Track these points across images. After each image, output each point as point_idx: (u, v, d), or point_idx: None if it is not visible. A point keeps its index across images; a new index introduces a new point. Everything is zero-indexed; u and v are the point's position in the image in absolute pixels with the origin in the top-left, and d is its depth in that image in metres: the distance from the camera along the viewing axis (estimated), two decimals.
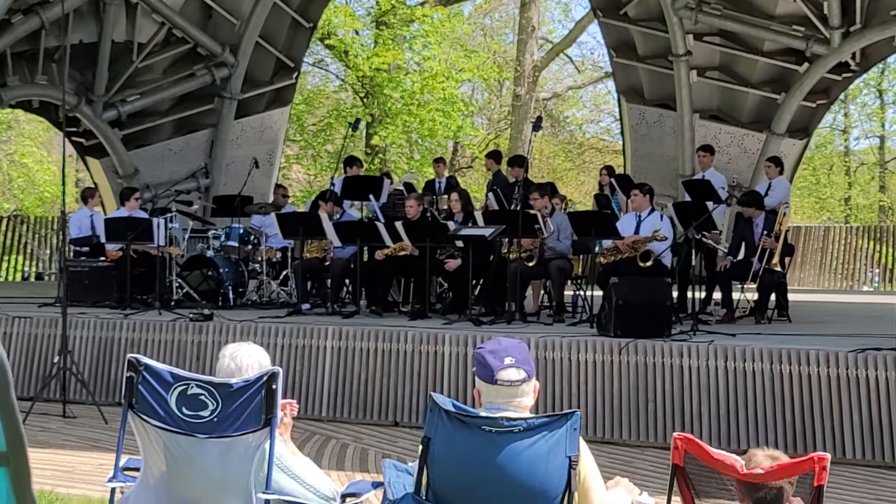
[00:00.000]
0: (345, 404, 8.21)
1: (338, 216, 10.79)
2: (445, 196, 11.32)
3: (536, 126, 10.09)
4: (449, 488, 3.17)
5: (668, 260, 9.30)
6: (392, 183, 13.77)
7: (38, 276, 18.79)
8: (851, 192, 30.02)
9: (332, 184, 11.53)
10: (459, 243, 9.48)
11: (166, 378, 3.61)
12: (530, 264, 9.49)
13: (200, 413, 3.54)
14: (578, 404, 7.46)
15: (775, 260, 9.31)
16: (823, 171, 30.06)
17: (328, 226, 9.90)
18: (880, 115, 29.16)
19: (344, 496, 3.77)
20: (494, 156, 12.60)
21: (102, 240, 11.11)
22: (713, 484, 3.15)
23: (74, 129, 15.73)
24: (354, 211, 11.40)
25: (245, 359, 3.66)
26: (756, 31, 14.95)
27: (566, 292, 10.06)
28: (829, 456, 2.97)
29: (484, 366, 3.26)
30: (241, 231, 11.41)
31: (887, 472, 6.66)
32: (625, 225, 9.48)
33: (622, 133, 17.61)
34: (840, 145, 30.38)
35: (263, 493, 3.51)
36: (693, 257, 9.34)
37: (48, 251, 19.35)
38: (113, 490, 3.89)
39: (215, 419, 3.54)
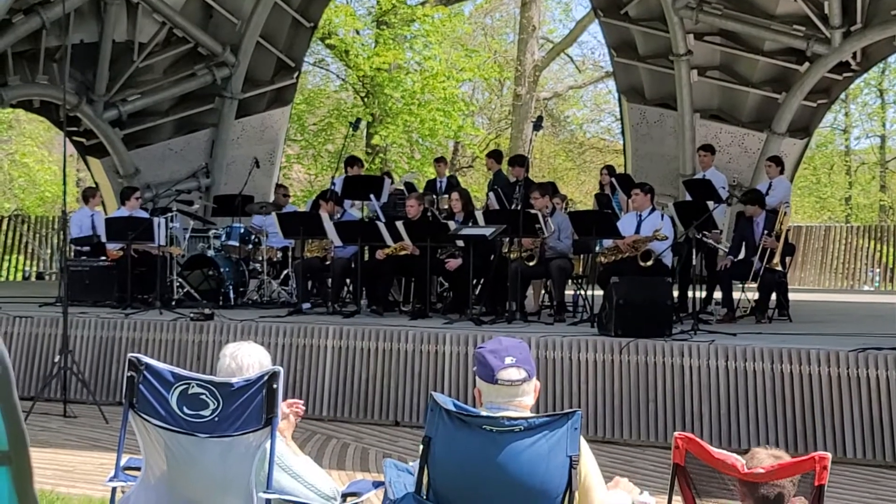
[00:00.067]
0: (345, 404, 8.21)
1: (338, 216, 10.80)
2: (446, 196, 11.32)
3: (537, 126, 10.10)
4: (450, 488, 3.17)
5: (668, 259, 9.30)
6: (393, 182, 13.77)
7: (39, 276, 18.80)
8: (852, 192, 30.02)
9: (333, 183, 11.53)
10: (460, 243, 9.48)
11: (167, 377, 3.61)
12: (531, 264, 9.48)
13: (201, 412, 3.54)
14: (579, 404, 7.46)
15: (776, 259, 9.31)
16: (824, 170, 30.05)
17: (329, 225, 9.90)
18: (881, 114, 29.17)
19: (345, 495, 3.77)
20: (495, 155, 12.60)
21: (103, 239, 11.12)
22: (714, 483, 3.15)
23: (75, 129, 15.74)
24: (355, 210, 11.40)
25: (246, 358, 3.67)
26: (757, 30, 14.95)
27: (567, 292, 10.06)
28: (829, 455, 2.97)
29: (484, 365, 3.26)
30: (242, 231, 11.42)
31: (888, 471, 6.66)
32: (625, 224, 9.48)
33: (623, 133, 17.61)
34: (841, 145, 30.38)
35: (264, 492, 3.51)
36: (694, 257, 9.33)
37: (49, 251, 19.36)
38: (114, 489, 3.89)
39: (216, 419, 3.54)
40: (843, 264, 19.49)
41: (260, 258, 11.36)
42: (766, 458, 2.98)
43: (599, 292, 8.94)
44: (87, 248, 11.65)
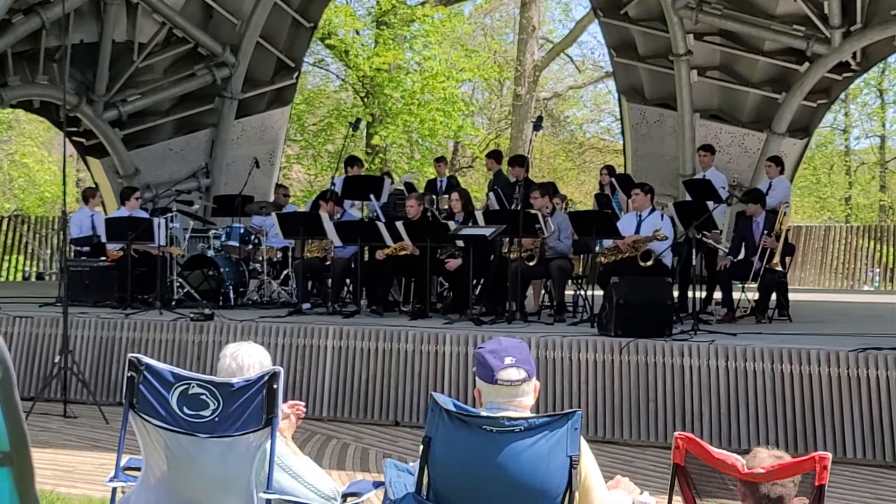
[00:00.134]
0: (345, 404, 8.22)
1: (338, 216, 10.80)
2: (446, 196, 11.32)
3: (537, 126, 10.10)
4: (450, 488, 3.17)
5: (668, 259, 9.31)
6: (393, 182, 13.78)
7: (39, 276, 18.80)
8: (852, 192, 30.02)
9: (333, 183, 11.53)
10: (460, 243, 9.48)
11: (167, 378, 3.61)
12: (531, 264, 9.49)
13: (201, 413, 3.54)
14: (579, 404, 7.46)
15: (776, 259, 9.31)
16: (824, 170, 30.05)
17: (329, 225, 9.90)
18: (881, 114, 29.17)
19: (345, 496, 3.77)
20: (495, 156, 12.60)
21: (103, 239, 11.11)
22: (714, 483, 3.15)
23: (75, 129, 15.73)
24: (355, 211, 11.40)
25: (246, 358, 3.67)
26: (756, 30, 14.94)
27: (567, 292, 10.07)
28: (830, 455, 2.97)
29: (484, 365, 3.26)
30: (242, 231, 11.42)
31: (888, 471, 6.66)
32: (625, 224, 9.48)
33: (623, 133, 17.61)
34: (840, 145, 30.38)
35: (265, 492, 3.51)
36: (694, 257, 9.33)
37: (49, 251, 19.36)
38: (114, 490, 3.89)
39: (216, 419, 3.54)
40: (842, 264, 19.49)
41: (260, 258, 11.36)
42: (767, 457, 2.98)
43: (599, 292, 8.94)
44: (87, 249, 11.65)
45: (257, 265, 11.39)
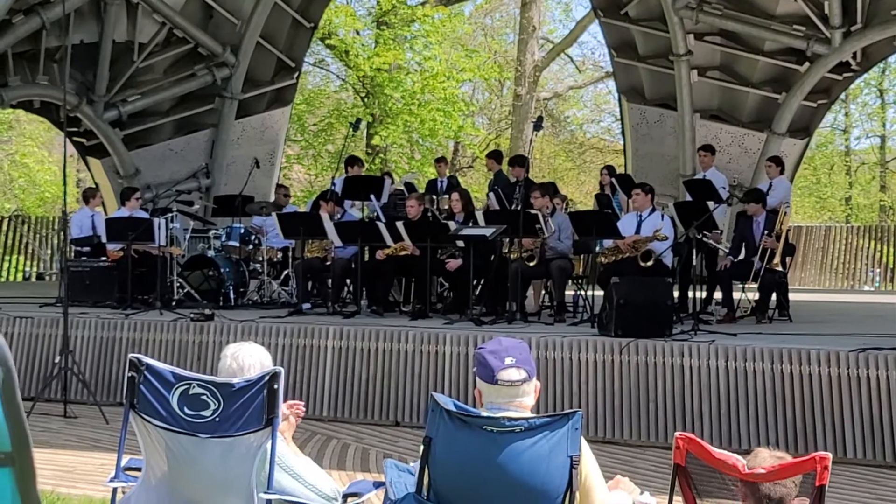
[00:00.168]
0: (346, 404, 8.22)
1: (339, 216, 10.80)
2: (446, 196, 11.32)
3: (537, 126, 10.10)
4: (450, 488, 3.17)
5: (668, 260, 9.31)
6: (393, 183, 13.78)
7: (39, 277, 18.80)
8: (852, 192, 30.02)
9: (333, 184, 11.53)
10: (460, 243, 9.48)
11: (168, 378, 3.61)
12: (531, 264, 9.49)
13: (202, 413, 3.55)
14: (579, 404, 7.46)
15: (776, 260, 9.31)
16: (824, 170, 30.05)
17: (329, 226, 9.90)
18: (881, 114, 29.17)
19: (345, 496, 3.77)
20: (495, 156, 12.60)
21: (103, 240, 11.11)
22: (715, 484, 3.15)
23: (75, 130, 15.74)
24: (355, 211, 11.40)
25: (247, 358, 3.67)
26: (757, 30, 14.94)
27: (567, 292, 10.07)
28: (830, 455, 2.97)
29: (485, 366, 3.26)
30: (242, 231, 11.42)
31: (888, 471, 6.66)
32: (626, 225, 9.48)
33: (623, 133, 17.61)
34: (841, 145, 30.38)
35: (265, 492, 3.51)
36: (694, 257, 9.33)
37: (49, 251, 19.36)
38: (114, 490, 3.89)
39: (217, 419, 3.54)
40: (843, 264, 19.49)
41: (260, 258, 11.36)
42: (768, 457, 2.99)
43: (600, 292, 8.94)
44: (87, 249, 11.64)
45: (257, 265, 11.39)
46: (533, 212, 9.25)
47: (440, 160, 14.09)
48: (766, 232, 9.41)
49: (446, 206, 10.99)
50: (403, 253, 9.75)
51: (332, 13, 22.92)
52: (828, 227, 21.39)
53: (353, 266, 10.18)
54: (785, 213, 9.69)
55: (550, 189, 10.55)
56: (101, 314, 9.38)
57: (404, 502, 3.27)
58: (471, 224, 9.71)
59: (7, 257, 19.29)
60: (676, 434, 3.26)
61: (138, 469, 3.74)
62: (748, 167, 15.34)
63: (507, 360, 3.24)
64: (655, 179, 13.29)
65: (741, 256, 9.61)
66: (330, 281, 10.50)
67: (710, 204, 9.77)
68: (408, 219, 9.81)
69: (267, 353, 3.76)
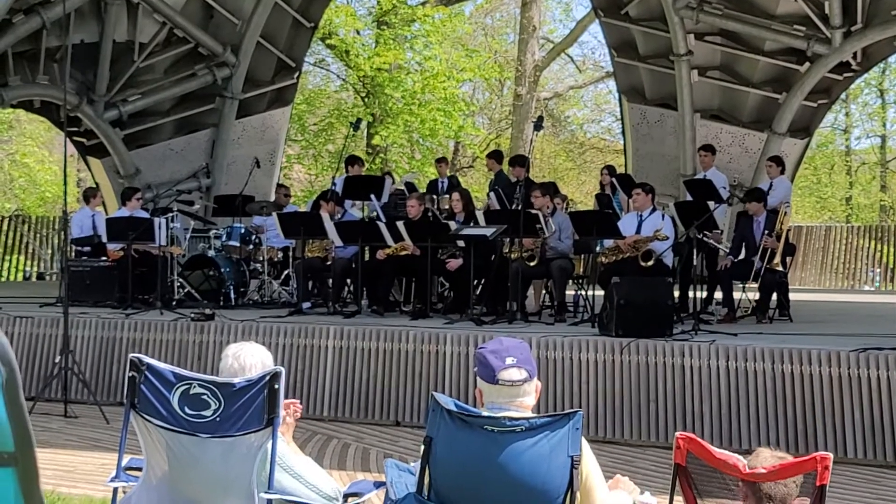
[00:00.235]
0: (346, 404, 8.22)
1: (339, 216, 10.80)
2: (447, 196, 11.32)
3: (537, 126, 10.10)
4: (451, 488, 3.17)
5: (669, 259, 9.31)
6: (393, 182, 13.78)
7: (40, 276, 18.80)
8: (852, 192, 30.01)
9: (334, 183, 11.53)
10: (461, 243, 9.48)
11: (168, 378, 3.61)
12: (532, 264, 9.48)
13: (203, 413, 3.55)
14: (580, 404, 7.46)
15: (776, 259, 9.31)
16: (824, 170, 30.05)
17: (329, 225, 9.90)
18: (881, 114, 29.16)
19: (346, 496, 3.77)
20: (496, 156, 12.60)
21: (104, 239, 11.11)
22: (715, 483, 3.16)
23: (76, 129, 15.73)
24: (356, 210, 11.41)
25: (248, 358, 3.67)
26: (757, 30, 14.94)
27: (567, 292, 10.07)
28: (831, 455, 2.98)
29: (485, 366, 3.26)
30: (243, 231, 11.42)
31: (889, 471, 6.66)
32: (626, 224, 9.48)
33: (623, 133, 17.60)
34: (841, 145, 30.37)
35: (266, 492, 3.51)
36: (694, 257, 9.33)
37: (50, 251, 19.36)
38: (115, 490, 3.89)
39: (218, 419, 3.54)
40: (843, 264, 19.48)
41: (260, 258, 11.36)
42: (769, 457, 2.99)
43: (600, 292, 8.94)
44: (87, 249, 11.65)
45: (258, 265, 11.39)
46: (533, 212, 9.25)
47: (441, 160, 14.09)
48: (766, 232, 9.41)
49: (447, 206, 10.99)
50: (404, 253, 9.75)
51: (333, 13, 22.93)
52: (828, 226, 21.38)
53: (353, 266, 10.18)
54: (785, 212, 9.69)
55: (551, 189, 10.55)
56: (102, 314, 9.38)
57: (405, 502, 3.27)
58: (471, 224, 9.71)
59: (7, 257, 19.29)
60: (677, 434, 3.26)
61: (139, 469, 3.74)
62: (748, 167, 15.33)
63: (508, 360, 3.24)
64: (656, 179, 13.29)
65: (741, 256, 9.61)
66: (330, 281, 10.50)
67: (711, 204, 9.77)
68: (408, 219, 9.81)
69: (268, 353, 3.76)
